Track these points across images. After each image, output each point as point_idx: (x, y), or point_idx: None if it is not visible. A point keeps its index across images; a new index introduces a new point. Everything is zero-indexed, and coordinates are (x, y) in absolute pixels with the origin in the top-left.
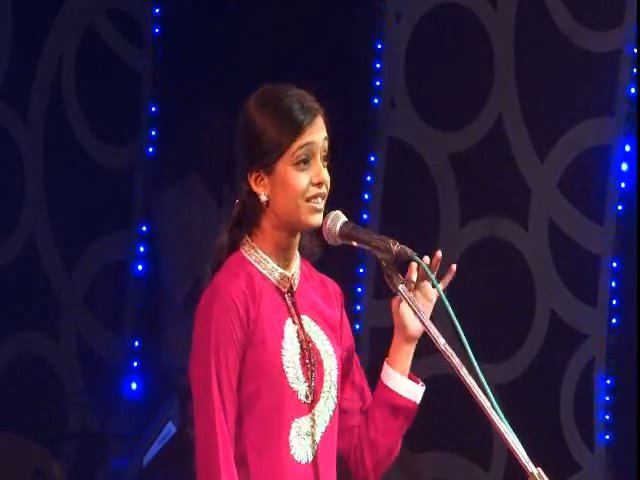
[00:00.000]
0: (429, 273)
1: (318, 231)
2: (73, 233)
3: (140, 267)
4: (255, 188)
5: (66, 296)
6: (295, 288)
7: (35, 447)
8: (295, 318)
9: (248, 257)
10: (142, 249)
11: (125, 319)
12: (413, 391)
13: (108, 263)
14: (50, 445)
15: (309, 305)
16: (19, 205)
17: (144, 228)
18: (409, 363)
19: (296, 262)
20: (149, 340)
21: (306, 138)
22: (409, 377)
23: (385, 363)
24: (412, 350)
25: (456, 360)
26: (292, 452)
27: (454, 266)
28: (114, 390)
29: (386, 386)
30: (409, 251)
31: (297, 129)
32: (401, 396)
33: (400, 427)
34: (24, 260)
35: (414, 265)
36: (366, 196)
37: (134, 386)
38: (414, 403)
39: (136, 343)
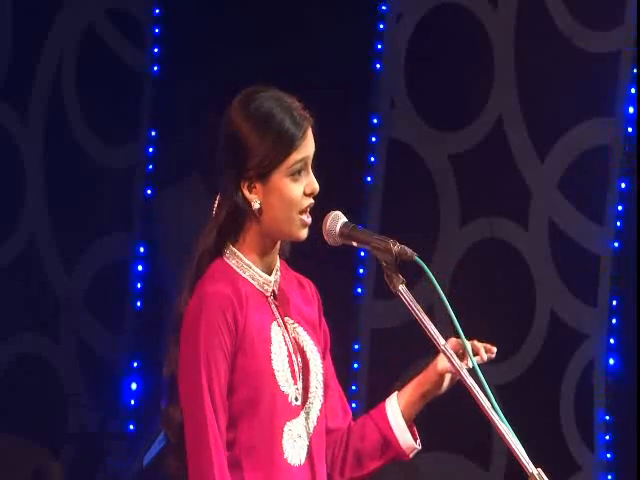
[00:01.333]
0: (470, 355)
1: None
2: (73, 233)
3: (140, 267)
4: (248, 196)
5: (66, 296)
6: (277, 291)
7: (35, 447)
8: (280, 321)
9: (230, 263)
10: (142, 249)
11: (125, 319)
12: (410, 446)
13: (108, 263)
14: (50, 445)
15: (291, 307)
16: (19, 205)
17: (144, 228)
18: (419, 409)
19: (277, 265)
20: (149, 340)
21: (301, 152)
22: (412, 426)
23: (396, 397)
24: (426, 402)
25: (456, 360)
26: (285, 455)
27: (494, 349)
28: (114, 390)
29: (390, 426)
30: (409, 251)
31: (292, 144)
32: (399, 445)
33: (388, 460)
34: (24, 260)
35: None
36: (366, 196)
37: (134, 386)
38: (408, 456)
39: (136, 343)
